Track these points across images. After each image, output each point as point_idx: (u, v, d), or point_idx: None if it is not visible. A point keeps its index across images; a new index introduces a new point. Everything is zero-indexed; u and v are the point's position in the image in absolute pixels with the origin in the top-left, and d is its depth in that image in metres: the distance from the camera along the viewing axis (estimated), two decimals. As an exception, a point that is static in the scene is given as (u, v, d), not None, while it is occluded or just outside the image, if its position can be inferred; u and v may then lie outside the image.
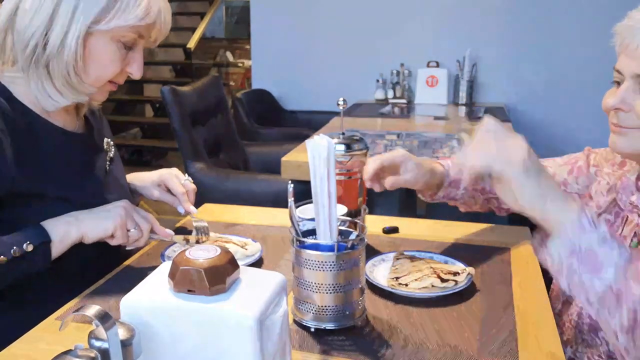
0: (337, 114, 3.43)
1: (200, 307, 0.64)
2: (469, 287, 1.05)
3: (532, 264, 1.17)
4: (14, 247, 0.96)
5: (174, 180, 1.27)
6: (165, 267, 0.71)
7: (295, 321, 0.94)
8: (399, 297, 1.03)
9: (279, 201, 1.40)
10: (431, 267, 1.09)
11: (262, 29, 4.03)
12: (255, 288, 0.68)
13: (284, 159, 2.13)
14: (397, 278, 1.06)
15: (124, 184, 1.28)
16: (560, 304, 1.15)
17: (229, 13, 7.80)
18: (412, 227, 1.38)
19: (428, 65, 3.72)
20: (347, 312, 0.91)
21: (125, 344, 0.61)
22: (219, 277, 0.65)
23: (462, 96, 3.61)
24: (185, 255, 0.67)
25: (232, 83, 7.16)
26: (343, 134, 1.18)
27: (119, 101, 6.22)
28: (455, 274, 1.07)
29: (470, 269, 1.09)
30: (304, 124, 3.70)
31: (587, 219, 0.78)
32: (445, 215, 1.37)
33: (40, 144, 1.07)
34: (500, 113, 3.28)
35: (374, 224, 1.37)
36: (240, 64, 7.12)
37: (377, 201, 2.44)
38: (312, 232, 0.95)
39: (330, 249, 0.89)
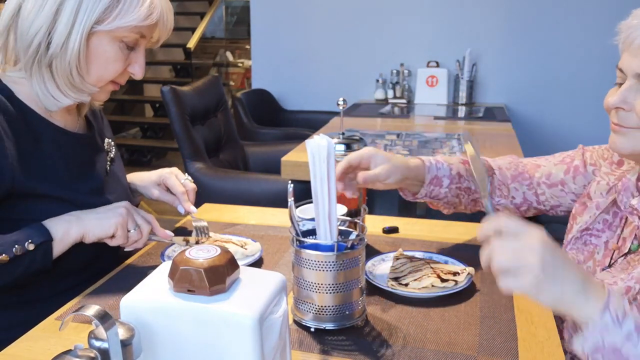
0: (337, 114, 3.43)
1: (200, 307, 0.64)
2: (469, 287, 1.05)
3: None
4: (16, 246, 0.96)
5: (173, 180, 1.27)
6: (165, 267, 0.71)
7: (295, 321, 0.94)
8: (399, 297, 1.03)
9: (279, 201, 1.40)
10: (431, 267, 1.09)
11: (262, 29, 4.03)
12: (255, 288, 0.68)
13: (284, 159, 2.13)
14: (397, 278, 1.06)
15: (125, 184, 1.28)
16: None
17: (229, 13, 7.80)
18: (412, 227, 1.38)
19: (428, 65, 3.72)
20: (347, 312, 0.91)
21: (125, 344, 0.61)
22: (219, 277, 0.65)
23: (462, 96, 3.61)
24: (185, 255, 0.67)
25: (232, 83, 7.16)
26: (343, 134, 1.18)
27: (119, 101, 6.22)
28: (455, 274, 1.07)
29: (470, 269, 1.09)
30: (304, 124, 3.70)
31: (611, 317, 0.73)
32: (445, 215, 1.36)
33: (41, 144, 1.07)
34: (500, 113, 3.28)
35: (374, 224, 1.37)
36: (240, 64, 7.12)
37: (377, 201, 2.44)
38: (312, 232, 0.95)
39: (330, 249, 0.89)
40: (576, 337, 0.74)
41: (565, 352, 0.92)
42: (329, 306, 0.90)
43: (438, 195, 1.20)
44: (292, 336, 0.91)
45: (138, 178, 1.33)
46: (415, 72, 3.74)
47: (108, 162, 1.23)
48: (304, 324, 0.92)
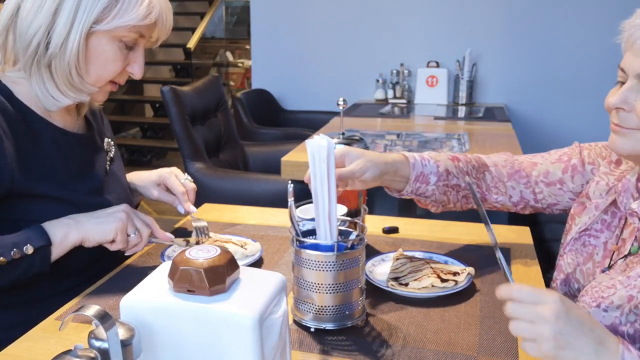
0: (337, 114, 3.43)
1: (200, 307, 0.64)
2: (469, 287, 1.05)
3: (532, 264, 1.17)
4: (14, 249, 0.96)
5: (173, 180, 1.27)
6: (165, 267, 0.71)
7: (295, 321, 0.94)
8: (399, 297, 1.03)
9: (279, 201, 1.40)
10: (431, 267, 1.09)
11: (262, 29, 4.03)
12: (255, 288, 0.68)
13: (284, 159, 2.13)
14: (397, 278, 1.06)
15: (125, 184, 1.28)
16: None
17: (229, 13, 7.80)
18: (412, 227, 1.38)
19: (428, 65, 3.72)
20: (347, 312, 0.91)
21: (125, 344, 0.61)
22: (218, 277, 0.65)
23: (462, 96, 3.61)
24: (185, 255, 0.67)
25: (232, 83, 7.16)
26: (343, 134, 1.18)
27: (119, 101, 6.22)
28: (455, 274, 1.07)
29: (470, 269, 1.09)
30: (304, 124, 3.70)
31: None
32: (445, 215, 1.36)
33: (41, 144, 1.07)
34: (500, 113, 3.28)
35: (374, 224, 1.37)
36: (240, 64, 7.12)
37: (377, 201, 2.44)
38: (312, 232, 0.95)
39: (330, 249, 0.89)
40: None
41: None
42: (329, 306, 0.90)
43: (425, 192, 1.16)
44: (292, 336, 0.91)
45: (137, 178, 1.32)
46: (415, 72, 3.74)
47: (108, 162, 1.23)
48: (304, 324, 0.92)
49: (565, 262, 1.12)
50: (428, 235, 1.33)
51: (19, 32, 1.01)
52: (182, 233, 1.35)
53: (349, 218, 1.00)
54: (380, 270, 1.12)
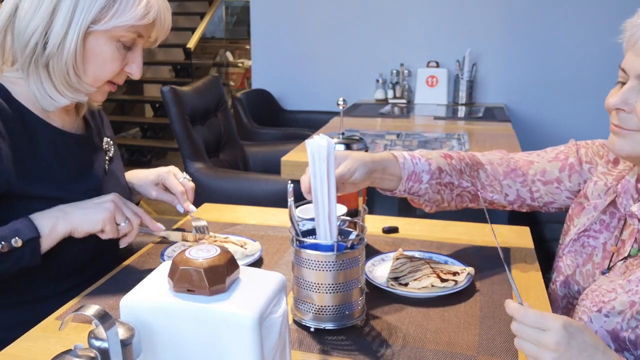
0: (337, 114, 3.43)
1: (200, 307, 0.64)
2: (469, 287, 1.05)
3: (532, 264, 1.17)
4: (2, 243, 0.95)
5: (172, 179, 1.27)
6: (165, 267, 0.71)
7: (295, 321, 0.94)
8: (399, 297, 1.03)
9: (279, 201, 1.40)
10: (431, 267, 1.09)
11: (262, 29, 4.03)
12: (255, 288, 0.68)
13: (284, 159, 2.13)
14: (397, 278, 1.06)
15: (124, 183, 1.28)
16: (561, 305, 1.14)
17: (229, 13, 7.80)
18: (412, 227, 1.38)
19: (428, 65, 3.72)
20: (347, 312, 0.91)
21: (125, 344, 0.61)
22: (218, 277, 0.65)
23: (462, 96, 3.61)
24: (185, 255, 0.67)
25: (232, 83, 7.16)
26: (343, 134, 1.18)
27: (119, 101, 6.22)
28: (455, 274, 1.07)
29: (470, 269, 1.09)
30: (304, 124, 3.70)
31: None
32: (445, 215, 1.36)
33: (38, 145, 1.07)
34: (500, 113, 3.28)
35: (374, 224, 1.37)
36: (240, 64, 7.12)
37: (377, 201, 2.44)
38: (312, 232, 0.95)
39: (330, 248, 0.89)
40: None
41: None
42: (328, 306, 0.90)
43: (418, 191, 1.14)
44: (292, 336, 0.91)
45: (136, 177, 1.32)
46: (415, 72, 3.74)
47: (107, 162, 1.23)
48: (304, 324, 0.92)
49: (565, 263, 1.12)
50: (428, 235, 1.33)
51: (16, 32, 1.01)
52: (182, 233, 1.34)
53: (349, 218, 1.00)
54: (380, 270, 1.12)
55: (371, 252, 1.21)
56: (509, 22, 3.64)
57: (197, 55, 6.61)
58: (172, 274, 0.66)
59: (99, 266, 1.16)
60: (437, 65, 3.71)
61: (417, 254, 1.18)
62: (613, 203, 1.06)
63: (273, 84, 4.02)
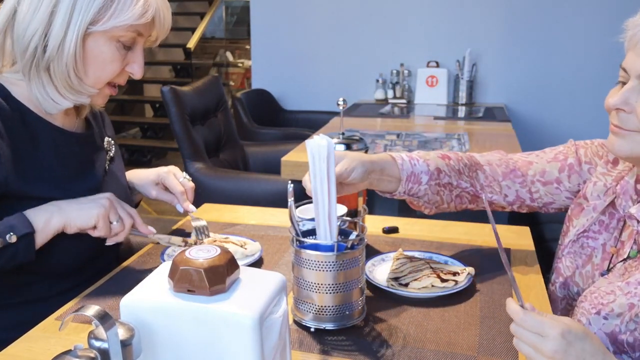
0: (337, 114, 3.43)
1: (200, 307, 0.64)
2: (469, 287, 1.05)
3: (532, 264, 1.17)
4: None
5: (171, 179, 1.27)
6: (165, 267, 0.71)
7: (295, 321, 0.94)
8: (399, 297, 1.03)
9: (279, 201, 1.40)
10: (431, 267, 1.09)
11: (262, 29, 4.03)
12: (255, 288, 0.68)
13: (284, 159, 2.13)
14: (397, 278, 1.06)
15: (124, 183, 1.28)
16: (560, 306, 1.14)
17: (229, 13, 7.80)
18: (412, 227, 1.38)
19: (428, 65, 3.72)
20: (347, 312, 0.91)
21: (125, 344, 0.61)
22: (218, 277, 0.65)
23: (462, 96, 3.61)
24: (185, 255, 0.67)
25: (232, 83, 7.15)
26: (343, 134, 1.18)
27: (119, 101, 6.22)
28: (455, 274, 1.07)
29: (470, 269, 1.09)
30: (304, 124, 3.70)
31: None
32: (445, 215, 1.36)
33: (38, 144, 1.07)
34: (500, 113, 3.28)
35: (374, 224, 1.37)
36: (240, 64, 7.12)
37: (377, 201, 2.44)
38: (312, 232, 0.95)
39: (330, 249, 0.89)
40: None
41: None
42: (329, 306, 0.90)
43: (417, 193, 1.12)
44: (292, 336, 0.91)
45: (136, 177, 1.32)
46: (415, 72, 3.74)
47: (107, 161, 1.23)
48: (304, 324, 0.92)
49: (564, 265, 1.12)
50: (428, 235, 1.33)
51: (16, 35, 1.01)
52: (181, 234, 1.35)
53: (349, 218, 1.00)
54: (380, 270, 1.12)
55: (371, 252, 1.21)
56: (509, 22, 3.64)
57: (197, 55, 6.61)
58: (172, 274, 0.66)
59: (99, 266, 1.16)
60: (437, 65, 3.71)
61: (417, 254, 1.18)
62: (612, 204, 1.06)
63: (273, 84, 4.02)
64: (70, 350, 0.59)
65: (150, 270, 0.74)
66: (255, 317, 0.63)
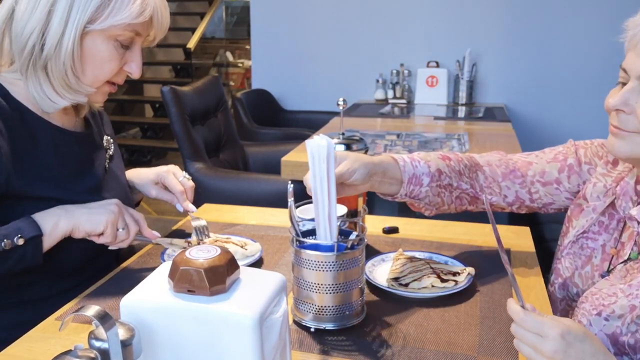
0: (337, 114, 3.43)
1: (200, 307, 0.64)
2: (469, 287, 1.05)
3: (532, 264, 1.17)
4: (5, 240, 0.94)
5: (171, 179, 1.27)
6: (165, 267, 0.71)
7: (295, 321, 0.94)
8: (399, 297, 1.03)
9: (279, 201, 1.40)
10: (431, 267, 1.09)
11: (262, 29, 4.03)
12: (255, 288, 0.68)
13: (284, 159, 2.13)
14: (397, 278, 1.06)
15: (124, 182, 1.28)
16: (559, 307, 1.14)
17: (229, 13, 7.80)
18: (412, 227, 1.38)
19: (428, 65, 3.72)
20: (347, 312, 0.91)
21: (125, 344, 0.61)
22: (219, 277, 0.65)
23: (462, 96, 3.61)
24: (185, 256, 0.67)
25: (232, 83, 7.15)
26: (343, 134, 1.18)
27: (119, 101, 6.22)
28: (455, 274, 1.07)
29: (470, 269, 1.09)
30: (304, 124, 3.70)
31: None
32: (445, 215, 1.36)
33: (38, 143, 1.07)
34: (500, 113, 3.28)
35: (374, 224, 1.37)
36: (240, 64, 7.12)
37: (377, 201, 2.44)
38: (312, 232, 0.95)
39: (330, 249, 0.89)
40: None
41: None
42: (328, 306, 0.90)
43: (419, 195, 1.11)
44: (292, 336, 0.91)
45: (136, 176, 1.32)
46: (415, 72, 3.74)
47: (107, 160, 1.23)
48: (304, 324, 0.92)
49: (563, 265, 1.11)
50: (428, 235, 1.33)
51: (14, 34, 1.01)
52: (181, 234, 1.35)
53: (349, 218, 1.00)
54: (380, 270, 1.12)
55: (371, 252, 1.21)
56: (509, 22, 3.64)
57: (197, 55, 6.61)
58: (172, 274, 0.66)
59: (99, 266, 1.16)
60: (437, 65, 3.71)
61: (417, 254, 1.18)
62: (612, 205, 1.05)
63: (273, 84, 4.02)
64: (70, 351, 0.59)
65: (150, 271, 0.74)
66: (255, 317, 0.63)
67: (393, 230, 1.35)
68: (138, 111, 6.58)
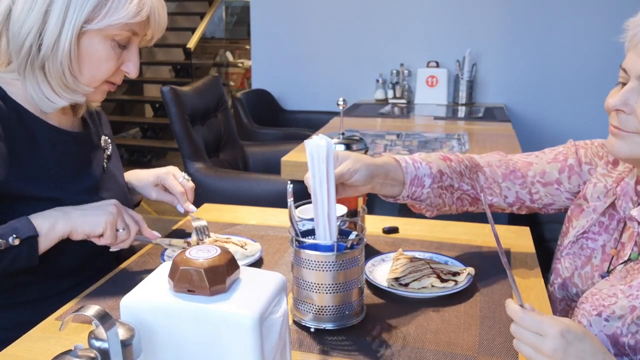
0: (336, 114, 3.43)
1: (200, 307, 0.64)
2: (469, 287, 1.05)
3: (532, 264, 1.17)
4: (0, 241, 0.94)
5: (171, 180, 1.27)
6: (165, 268, 0.71)
7: (294, 321, 0.94)
8: (399, 297, 1.03)
9: (279, 201, 1.40)
10: (431, 267, 1.09)
11: (262, 29, 4.03)
12: (255, 288, 0.68)
13: (284, 159, 2.13)
14: (397, 278, 1.06)
15: (122, 182, 1.28)
16: (559, 307, 1.14)
17: (229, 13, 7.80)
18: (412, 227, 1.38)
19: (428, 65, 3.72)
20: (347, 312, 0.91)
21: (125, 344, 0.61)
22: (219, 277, 0.65)
23: (462, 96, 3.61)
24: (185, 255, 0.67)
25: (232, 83, 7.15)
26: (343, 134, 1.18)
27: (119, 101, 6.21)
28: (455, 274, 1.07)
29: (470, 269, 1.09)
30: (304, 124, 3.70)
31: None
32: (446, 215, 1.36)
33: (35, 143, 1.07)
34: (500, 113, 3.28)
35: (374, 224, 1.37)
36: (240, 64, 7.12)
37: (377, 201, 2.44)
38: (311, 232, 0.95)
39: (329, 249, 0.89)
40: None
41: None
42: (328, 306, 0.90)
43: (420, 196, 1.10)
44: (292, 336, 0.91)
45: (136, 178, 1.32)
46: (415, 72, 3.75)
47: (105, 160, 1.23)
48: (304, 324, 0.92)
49: (563, 266, 1.11)
50: (428, 235, 1.33)
51: (11, 34, 1.01)
52: (181, 234, 1.35)
53: (348, 218, 1.00)
54: (380, 270, 1.12)
55: (371, 252, 1.21)
56: (509, 22, 3.64)
57: (197, 55, 6.61)
58: (172, 274, 0.66)
59: (99, 266, 1.16)
60: (437, 65, 3.71)
61: (417, 254, 1.18)
62: (612, 205, 1.05)
63: (273, 84, 4.02)
64: (70, 350, 0.59)
65: (150, 271, 0.74)
66: (255, 317, 0.63)
67: (393, 230, 1.35)
68: (138, 111, 6.58)
